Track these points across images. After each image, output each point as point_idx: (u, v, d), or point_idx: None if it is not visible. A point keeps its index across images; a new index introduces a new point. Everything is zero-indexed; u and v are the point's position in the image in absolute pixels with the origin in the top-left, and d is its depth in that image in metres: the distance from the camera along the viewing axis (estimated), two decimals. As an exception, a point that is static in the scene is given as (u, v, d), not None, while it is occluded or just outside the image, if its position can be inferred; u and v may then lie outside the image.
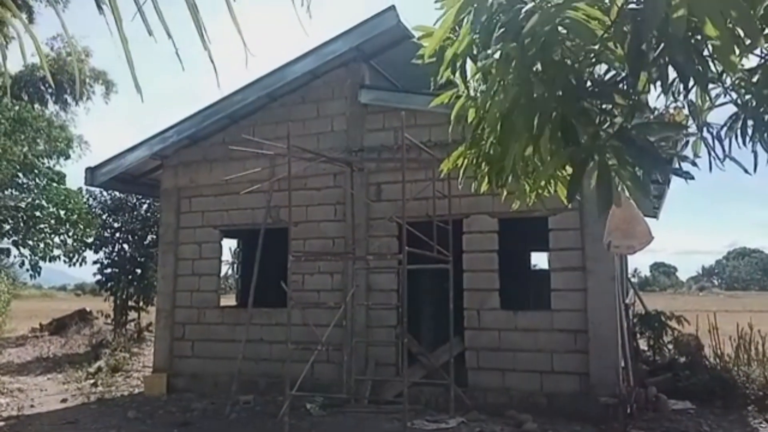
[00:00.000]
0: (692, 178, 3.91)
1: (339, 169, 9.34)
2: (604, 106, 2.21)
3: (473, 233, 8.63)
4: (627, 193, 5.34)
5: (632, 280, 14.90)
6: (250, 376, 9.29)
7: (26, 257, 17.57)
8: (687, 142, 3.64)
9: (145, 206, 16.57)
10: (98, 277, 16.53)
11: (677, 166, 3.76)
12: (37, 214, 17.40)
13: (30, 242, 17.63)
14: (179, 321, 10.28)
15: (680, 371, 9.20)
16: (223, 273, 11.33)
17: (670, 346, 10.42)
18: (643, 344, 11.42)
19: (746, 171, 3.60)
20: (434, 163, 8.52)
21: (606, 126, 2.16)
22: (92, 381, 11.07)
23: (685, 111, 3.50)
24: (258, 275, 13.47)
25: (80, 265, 17.64)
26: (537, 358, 8.04)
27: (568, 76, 2.08)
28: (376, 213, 9.13)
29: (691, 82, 2.48)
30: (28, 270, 18.49)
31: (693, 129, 3.61)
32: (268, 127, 9.94)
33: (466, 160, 3.83)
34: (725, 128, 3.46)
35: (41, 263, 17.57)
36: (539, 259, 17.13)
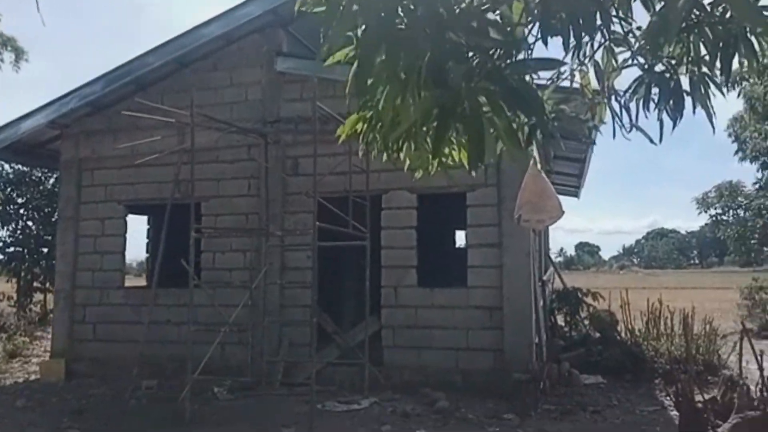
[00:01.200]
0: (594, 143, 3.76)
1: (253, 141, 8.86)
2: (477, 42, 1.93)
3: (392, 209, 8.39)
4: (538, 164, 5.18)
5: (553, 257, 15.08)
6: (156, 359, 8.76)
7: None
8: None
9: (51, 180, 15.43)
10: (0, 256, 15.34)
11: (585, 132, 3.60)
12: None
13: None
14: (80, 302, 9.57)
15: (593, 346, 9.37)
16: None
17: (586, 322, 10.60)
18: (561, 320, 11.62)
19: (651, 141, 3.44)
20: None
21: (479, 67, 1.89)
22: (-18, 368, 10.20)
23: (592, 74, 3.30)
24: (167, 253, 12.80)
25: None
26: (453, 335, 7.93)
27: (433, 3, 1.79)
28: (292, 188, 8.73)
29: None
30: None
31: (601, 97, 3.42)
32: (178, 95, 9.27)
33: (365, 125, 3.53)
34: (629, 92, 3.29)
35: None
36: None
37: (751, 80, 14.70)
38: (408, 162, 3.41)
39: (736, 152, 17.09)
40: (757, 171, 16.75)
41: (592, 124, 3.47)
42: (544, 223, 5.73)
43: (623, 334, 9.38)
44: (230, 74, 9.16)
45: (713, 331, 8.96)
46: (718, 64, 3.13)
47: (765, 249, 17.44)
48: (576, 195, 15.38)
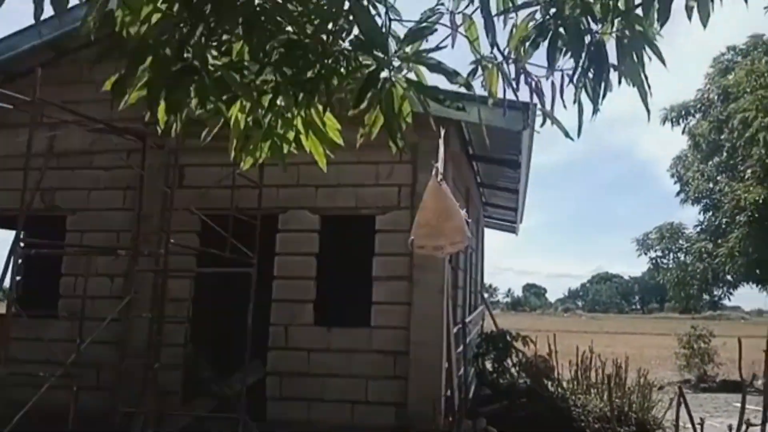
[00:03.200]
0: (463, 109, 2.69)
1: (134, 146, 7.51)
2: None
3: (290, 232, 7.16)
4: (439, 175, 4.08)
5: (500, 297, 13.75)
6: (-5, 405, 7.15)
7: None
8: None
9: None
10: None
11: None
12: None
13: None
14: None
15: (518, 398, 8.26)
16: None
17: (515, 370, 9.52)
18: (489, 366, 10.52)
19: (567, 135, 2.49)
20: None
21: None
22: None
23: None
24: (27, 276, 11.08)
25: None
26: (350, 385, 6.67)
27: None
28: (176, 202, 7.38)
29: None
30: None
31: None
32: (53, 88, 7.87)
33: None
34: (527, 43, 2.24)
35: None
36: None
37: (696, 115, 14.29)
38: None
39: (678, 193, 16.67)
40: (699, 213, 16.34)
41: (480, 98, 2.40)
42: (444, 251, 4.62)
43: (552, 385, 8.27)
44: (115, 66, 7.84)
45: (648, 384, 7.98)
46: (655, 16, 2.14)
47: (704, 296, 16.89)
48: (513, 231, 14.51)
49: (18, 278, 10.64)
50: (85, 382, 7.02)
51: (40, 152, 7.66)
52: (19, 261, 10.65)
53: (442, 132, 5.44)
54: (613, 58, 2.22)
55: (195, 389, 7.07)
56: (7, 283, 6.21)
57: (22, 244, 7.37)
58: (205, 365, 6.98)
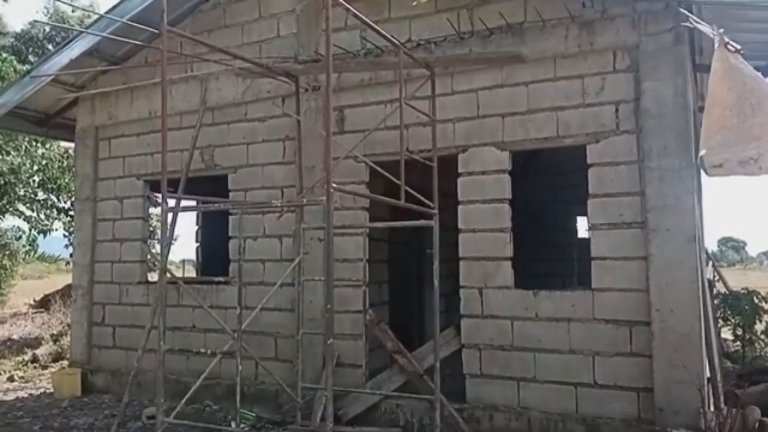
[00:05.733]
0: None
1: (288, 91, 6.60)
2: None
3: (473, 174, 5.77)
4: (728, 43, 2.40)
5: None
6: (177, 375, 6.85)
7: (24, 231, 15.67)
8: None
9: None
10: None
11: None
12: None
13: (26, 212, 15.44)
14: (98, 301, 7.89)
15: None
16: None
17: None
18: (727, 334, 8.38)
19: None
20: (418, 72, 5.71)
21: None
22: (9, 375, 8.92)
23: None
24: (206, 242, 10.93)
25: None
26: (570, 363, 5.20)
27: None
28: (337, 149, 6.35)
29: None
30: (25, 246, 16.77)
31: None
32: (199, 37, 7.26)
33: None
34: None
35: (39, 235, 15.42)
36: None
37: None
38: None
39: None
40: None
41: None
42: (761, 164, 2.82)
43: None
44: (258, 4, 6.96)
45: None
46: None
47: None
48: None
49: (197, 245, 10.66)
50: (263, 353, 6.42)
51: (194, 108, 7.13)
52: (197, 227, 10.63)
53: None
54: None
55: (380, 363, 6.09)
56: (178, 253, 5.61)
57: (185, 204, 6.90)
58: (388, 334, 5.94)
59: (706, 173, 3.01)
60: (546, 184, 9.49)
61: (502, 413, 5.36)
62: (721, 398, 5.09)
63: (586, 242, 12.11)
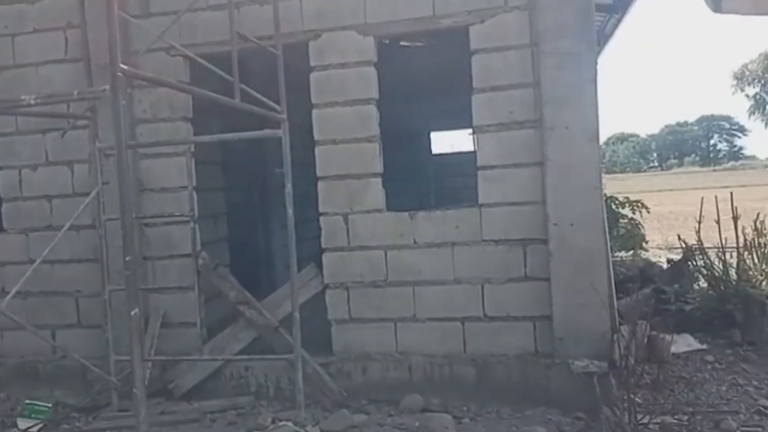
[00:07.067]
0: None
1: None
2: None
3: (329, 68, 4.49)
4: None
5: None
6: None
7: None
8: None
9: None
10: None
11: None
12: None
13: None
14: None
15: (665, 283, 6.01)
16: None
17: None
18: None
19: None
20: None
21: None
22: None
23: None
24: None
25: None
26: (455, 295, 4.34)
27: None
28: (142, 38, 4.66)
29: None
30: None
31: None
32: None
33: None
34: None
35: None
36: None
37: None
38: None
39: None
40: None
41: None
42: None
43: (713, 264, 5.87)
44: None
45: None
46: None
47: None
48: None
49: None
50: (61, 318, 4.83)
51: None
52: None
53: None
54: None
55: (218, 319, 4.79)
56: None
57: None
58: (229, 281, 4.62)
59: (719, 8, 2.09)
60: (396, 91, 8.47)
61: (377, 362, 4.42)
62: (616, 316, 4.59)
63: (443, 159, 11.57)
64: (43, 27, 4.95)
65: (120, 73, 2.50)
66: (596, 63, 4.07)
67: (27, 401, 4.21)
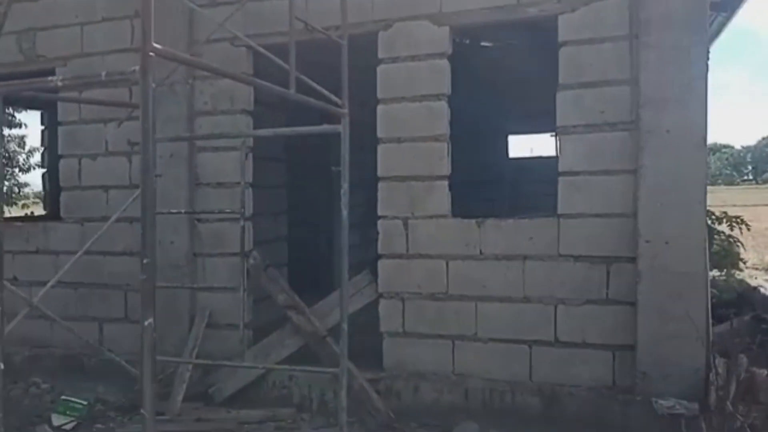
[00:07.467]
0: None
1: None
2: None
3: (399, 61, 4.13)
4: None
5: None
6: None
7: None
8: None
9: None
10: None
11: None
12: None
13: None
14: None
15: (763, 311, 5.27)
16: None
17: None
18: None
19: None
20: None
21: None
22: None
23: None
24: None
25: None
26: (524, 315, 3.87)
27: None
28: (205, 27, 4.48)
29: None
30: None
31: None
32: None
33: None
34: None
35: None
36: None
37: None
38: None
39: None
40: None
41: None
42: None
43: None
44: None
45: None
46: None
47: None
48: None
49: (43, 171, 8.45)
50: (109, 312, 4.74)
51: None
52: (42, 148, 8.39)
53: None
54: None
55: (268, 322, 4.54)
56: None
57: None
58: (279, 284, 4.35)
59: None
60: (474, 91, 8.00)
61: (431, 383, 4.01)
62: (711, 351, 3.97)
63: (520, 163, 10.91)
64: (112, 16, 4.89)
65: (152, 53, 2.23)
66: (707, 58, 3.49)
67: (63, 397, 4.11)
